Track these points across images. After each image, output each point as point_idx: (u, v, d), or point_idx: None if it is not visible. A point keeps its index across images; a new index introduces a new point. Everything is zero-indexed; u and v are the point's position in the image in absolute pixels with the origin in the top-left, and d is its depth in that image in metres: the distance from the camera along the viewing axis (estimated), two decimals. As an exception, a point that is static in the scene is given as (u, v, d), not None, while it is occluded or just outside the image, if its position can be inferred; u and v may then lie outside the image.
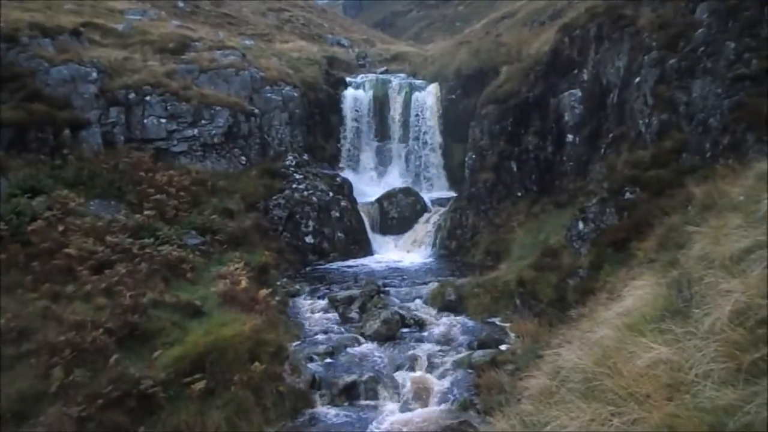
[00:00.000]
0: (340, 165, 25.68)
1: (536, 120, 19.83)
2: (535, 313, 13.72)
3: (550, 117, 19.28)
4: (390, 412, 11.12)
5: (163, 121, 20.08)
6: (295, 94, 23.37)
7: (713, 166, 10.53)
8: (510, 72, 22.00)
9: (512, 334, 13.62)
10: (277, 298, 15.76)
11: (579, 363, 4.84)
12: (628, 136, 15.43)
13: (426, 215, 23.16)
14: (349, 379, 11.81)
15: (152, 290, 12.85)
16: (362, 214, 22.41)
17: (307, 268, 19.55)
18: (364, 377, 11.86)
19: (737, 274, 4.56)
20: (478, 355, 12.55)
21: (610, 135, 16.56)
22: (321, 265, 19.88)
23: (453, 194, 24.08)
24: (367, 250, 21.44)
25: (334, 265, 19.90)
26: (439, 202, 24.02)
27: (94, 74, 19.54)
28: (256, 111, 21.88)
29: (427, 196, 24.38)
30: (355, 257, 20.69)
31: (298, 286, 17.39)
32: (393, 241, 22.43)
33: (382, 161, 26.68)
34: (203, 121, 20.54)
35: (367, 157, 26.68)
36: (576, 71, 18.74)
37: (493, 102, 21.81)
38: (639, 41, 15.69)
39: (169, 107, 20.23)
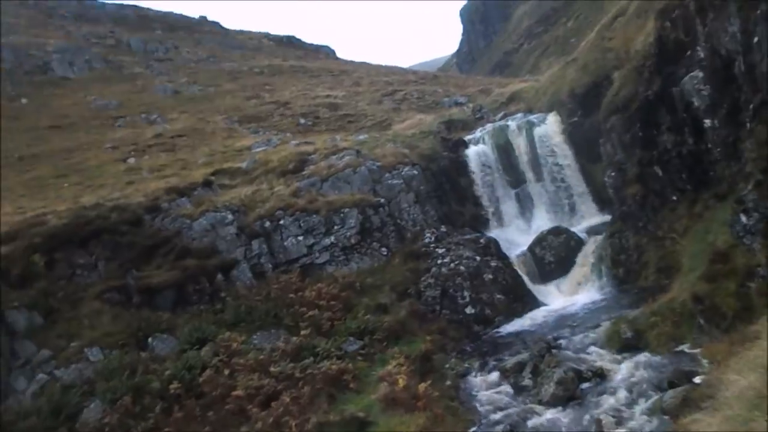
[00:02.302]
0: (483, 224, 25.02)
1: (665, 116, 18.00)
2: (723, 329, 11.98)
3: (679, 108, 17.41)
4: (584, 487, 10.00)
5: (300, 238, 20.84)
6: (415, 172, 23.38)
7: None
8: (622, 76, 20.47)
9: (705, 361, 11.93)
10: (447, 383, 15.28)
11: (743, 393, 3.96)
12: (770, 102, 13.46)
13: (583, 249, 21.55)
14: (532, 459, 10.86)
15: (316, 413, 12.95)
16: (517, 269, 21.34)
17: (476, 341, 18.68)
18: (549, 453, 10.86)
19: None
20: (669, 396, 11.13)
21: (751, 106, 14.56)
22: (487, 333, 18.94)
23: (606, 218, 22.39)
24: (532, 304, 20.18)
25: (501, 329, 18.88)
26: (594, 230, 22.41)
27: (230, 216, 20.89)
28: (382, 200, 22.10)
29: (578, 229, 22.89)
30: (520, 315, 19.50)
31: (467, 364, 16.61)
32: (556, 287, 21.06)
33: (525, 206, 25.68)
34: (336, 227, 21.07)
35: (509, 207, 25.85)
36: (689, 52, 16.93)
37: (614, 112, 20.33)
38: (745, -2, 13.89)
39: (302, 224, 21.02)
